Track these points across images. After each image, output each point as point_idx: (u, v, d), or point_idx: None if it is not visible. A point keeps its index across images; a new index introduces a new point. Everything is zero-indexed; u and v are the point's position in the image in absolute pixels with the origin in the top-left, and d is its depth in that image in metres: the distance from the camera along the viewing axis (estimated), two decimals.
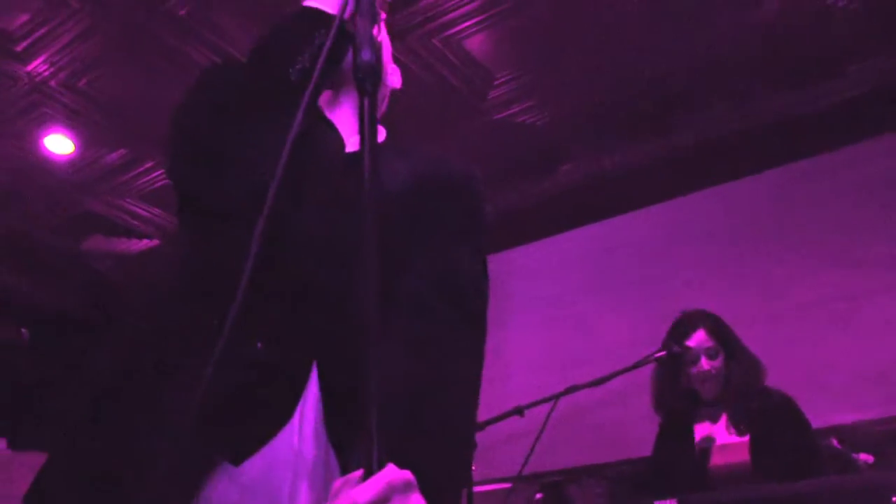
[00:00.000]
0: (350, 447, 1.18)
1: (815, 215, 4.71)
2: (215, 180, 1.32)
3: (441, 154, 1.50)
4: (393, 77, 1.58)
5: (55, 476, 1.21)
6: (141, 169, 5.50)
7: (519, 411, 3.56)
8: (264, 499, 1.17)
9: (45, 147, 5.29)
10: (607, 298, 5.25)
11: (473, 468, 3.26)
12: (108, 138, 5.22)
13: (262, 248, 1.11)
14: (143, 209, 5.97)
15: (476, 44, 4.42)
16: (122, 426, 1.22)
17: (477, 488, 3.68)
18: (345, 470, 1.16)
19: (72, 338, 6.85)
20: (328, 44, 1.25)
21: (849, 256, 4.53)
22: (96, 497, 1.18)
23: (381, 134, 1.49)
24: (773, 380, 3.26)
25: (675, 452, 3.28)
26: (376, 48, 1.17)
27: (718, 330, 3.31)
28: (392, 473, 0.98)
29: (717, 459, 3.13)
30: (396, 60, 1.63)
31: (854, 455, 3.39)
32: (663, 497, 2.65)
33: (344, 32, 1.28)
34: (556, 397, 3.50)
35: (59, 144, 5.28)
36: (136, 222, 6.14)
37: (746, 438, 3.09)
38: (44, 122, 5.08)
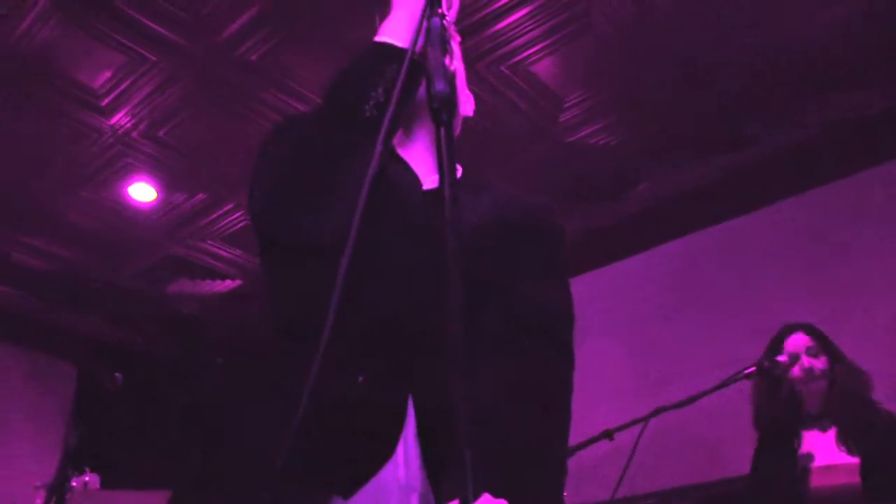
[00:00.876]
0: (446, 479, 1.19)
1: None
2: (298, 223, 1.34)
3: (517, 190, 1.51)
4: (466, 105, 1.58)
5: None
6: (221, 211, 5.64)
7: (608, 435, 3.51)
8: None
9: (129, 196, 5.47)
10: (690, 316, 5.15)
11: (565, 495, 3.22)
12: (188, 184, 5.38)
13: (348, 287, 1.13)
14: (225, 250, 6.10)
15: (544, 68, 4.42)
16: (230, 462, 1.25)
17: None
18: (440, 502, 1.17)
19: (161, 379, 7.01)
20: (401, 77, 1.26)
21: None
22: None
23: (458, 171, 1.49)
24: None
25: (775, 468, 3.15)
26: (450, 78, 1.17)
27: (818, 333, 3.21)
28: (488, 502, 0.98)
29: (821, 480, 2.99)
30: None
31: None
32: None
33: (416, 65, 1.30)
34: (646, 419, 3.44)
35: (142, 192, 5.45)
36: (218, 264, 6.28)
37: (857, 460, 2.93)
38: (127, 172, 5.25)
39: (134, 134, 4.88)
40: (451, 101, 1.16)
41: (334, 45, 4.10)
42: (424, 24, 1.26)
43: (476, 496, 0.97)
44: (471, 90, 1.66)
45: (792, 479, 3.04)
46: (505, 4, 4.02)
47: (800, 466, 3.05)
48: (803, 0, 4.02)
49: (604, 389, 4.99)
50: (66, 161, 5.12)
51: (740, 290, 4.95)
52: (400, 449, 1.22)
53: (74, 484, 3.89)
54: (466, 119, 1.61)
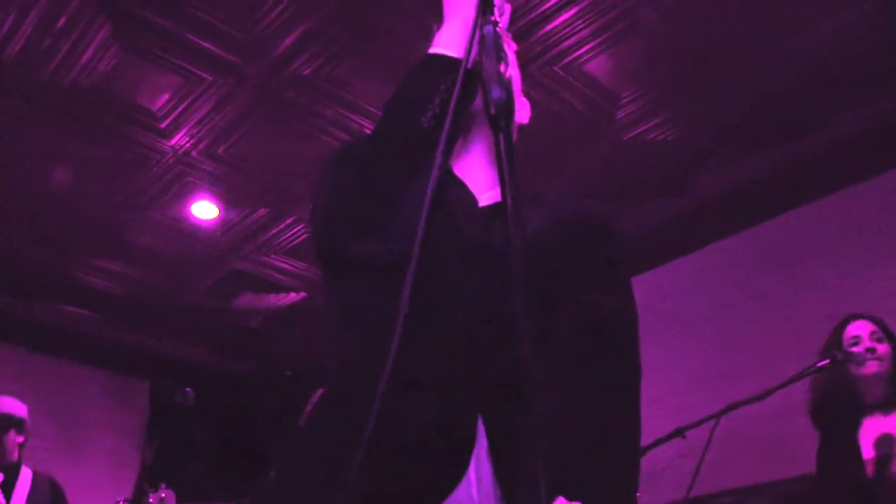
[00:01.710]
0: (518, 495, 1.19)
1: None
2: (357, 242, 1.34)
3: (576, 197, 1.50)
4: (521, 112, 1.57)
5: None
6: (282, 225, 5.70)
7: (680, 433, 3.48)
8: None
9: (192, 214, 5.58)
10: (758, 309, 5.06)
11: (639, 495, 3.19)
12: (249, 199, 5.46)
13: (413, 306, 1.14)
14: (288, 263, 6.17)
15: (597, 66, 4.38)
16: (303, 480, 1.27)
17: None
18: None
19: (232, 393, 7.12)
20: (458, 87, 1.27)
21: None
22: None
23: None
24: None
25: (838, 463, 3.08)
26: (506, 85, 1.17)
27: (881, 321, 3.15)
28: None
29: None
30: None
31: None
32: None
33: (470, 75, 1.30)
34: (718, 416, 3.40)
35: (204, 210, 5.54)
36: (282, 277, 6.36)
37: None
38: (189, 191, 5.36)
39: (194, 153, 4.97)
40: (508, 107, 1.16)
41: (385, 56, 4.11)
42: (477, 32, 1.26)
43: (550, 501, 0.98)
44: (525, 94, 1.65)
45: (858, 469, 2.96)
46: (553, 5, 4.00)
47: (879, 454, 2.97)
48: None
49: (673, 386, 4.93)
50: (130, 184, 5.24)
51: (811, 282, 4.85)
52: (472, 468, 1.22)
53: (152, 500, 3.98)
54: (522, 126, 1.61)
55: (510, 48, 1.50)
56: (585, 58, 4.31)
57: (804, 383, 3.25)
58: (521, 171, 1.52)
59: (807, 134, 4.88)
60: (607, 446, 1.25)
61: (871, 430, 3.05)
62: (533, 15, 4.03)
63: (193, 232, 5.78)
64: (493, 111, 1.15)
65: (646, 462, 2.65)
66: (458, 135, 1.46)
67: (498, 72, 1.19)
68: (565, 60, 4.32)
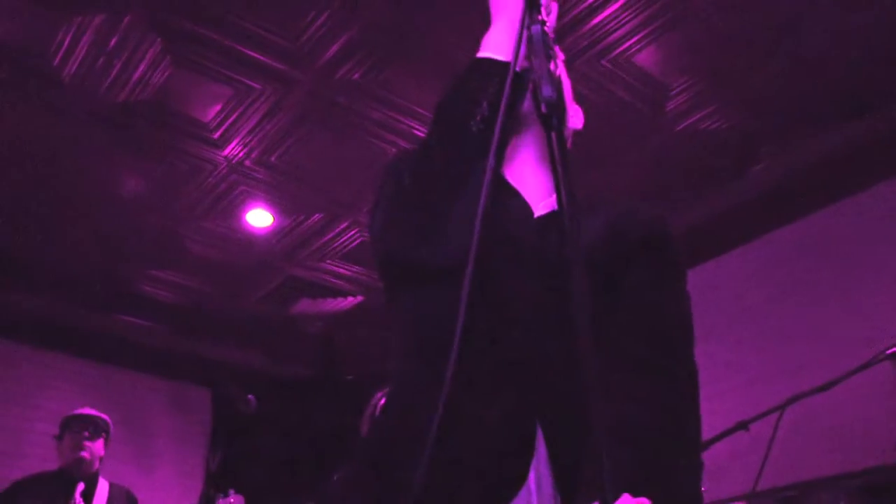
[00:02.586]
0: (579, 500, 1.18)
1: None
2: (414, 250, 1.35)
3: (626, 203, 1.48)
4: (575, 118, 1.56)
5: None
6: (337, 230, 5.74)
7: (744, 426, 3.43)
8: None
9: (247, 222, 5.65)
10: (817, 298, 4.93)
11: (704, 489, 3.16)
12: (303, 206, 5.51)
13: (470, 318, 1.14)
14: (345, 268, 6.21)
15: (646, 58, 4.33)
16: (367, 487, 1.27)
17: None
18: None
19: (294, 399, 7.20)
20: (507, 89, 1.26)
21: None
22: None
23: None
24: None
25: None
26: (556, 83, 1.16)
27: None
28: (628, 501, 0.99)
29: None
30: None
31: None
32: None
33: (519, 77, 1.29)
34: (782, 407, 3.34)
35: (259, 218, 5.61)
36: (339, 282, 6.41)
37: None
38: (244, 200, 5.43)
39: (247, 162, 5.03)
40: (559, 105, 1.14)
41: (432, 57, 4.13)
42: (525, 33, 1.25)
43: (615, 496, 0.97)
44: (575, 90, 1.64)
45: None
46: None
47: None
48: None
49: (734, 378, 4.85)
50: (186, 195, 5.33)
51: (871, 268, 4.72)
52: (532, 475, 1.21)
53: None
54: (576, 131, 1.59)
55: (560, 57, 1.49)
56: (633, 49, 4.27)
57: (874, 372, 3.18)
58: (574, 172, 1.50)
59: (864, 117, 4.77)
60: (670, 446, 1.24)
61: None
62: (579, 9, 4.01)
63: (249, 240, 5.85)
64: (544, 110, 1.14)
65: (709, 457, 2.62)
66: (509, 139, 1.45)
67: (548, 70, 1.18)
68: (613, 53, 4.28)
